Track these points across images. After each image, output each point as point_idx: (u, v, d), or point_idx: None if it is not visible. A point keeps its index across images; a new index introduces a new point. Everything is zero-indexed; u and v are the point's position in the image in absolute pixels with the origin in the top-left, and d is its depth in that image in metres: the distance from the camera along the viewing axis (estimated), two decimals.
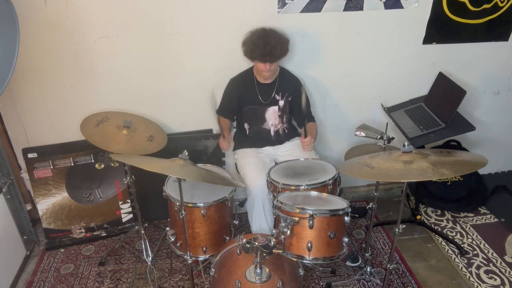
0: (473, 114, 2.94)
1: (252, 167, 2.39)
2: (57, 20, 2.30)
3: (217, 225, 2.13)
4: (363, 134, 2.17)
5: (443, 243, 2.64)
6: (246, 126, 2.55)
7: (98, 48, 2.40)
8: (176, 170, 1.75)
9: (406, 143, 1.79)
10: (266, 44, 2.19)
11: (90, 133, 2.21)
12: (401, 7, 2.53)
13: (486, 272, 2.42)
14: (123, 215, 2.75)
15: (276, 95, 2.45)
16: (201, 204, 2.04)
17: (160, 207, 2.41)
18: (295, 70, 2.56)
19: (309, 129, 2.46)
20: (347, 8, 2.49)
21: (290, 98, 2.47)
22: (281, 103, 2.46)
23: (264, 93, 2.44)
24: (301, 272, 1.92)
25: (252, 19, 2.43)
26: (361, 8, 2.50)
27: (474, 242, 2.65)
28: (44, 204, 2.60)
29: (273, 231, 1.81)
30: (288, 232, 1.75)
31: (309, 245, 1.74)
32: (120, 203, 2.72)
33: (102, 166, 2.65)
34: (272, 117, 2.49)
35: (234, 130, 2.68)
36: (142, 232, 2.42)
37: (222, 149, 2.55)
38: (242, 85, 2.43)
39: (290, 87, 2.45)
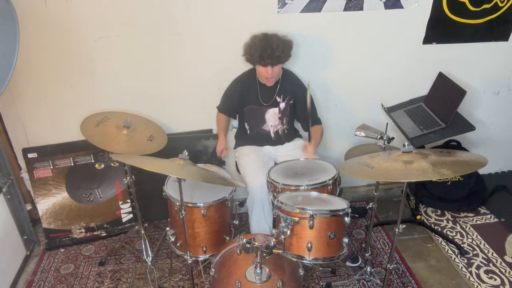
0: (473, 114, 2.94)
1: (253, 164, 2.39)
2: (57, 20, 2.30)
3: (217, 225, 2.13)
4: (363, 134, 2.16)
5: (443, 243, 2.64)
6: (246, 126, 2.55)
7: (98, 48, 2.40)
8: (176, 170, 1.75)
9: (406, 143, 1.79)
10: (267, 47, 2.16)
11: (90, 133, 2.21)
12: (401, 7, 2.54)
13: (486, 272, 2.42)
14: (123, 215, 2.75)
15: (277, 97, 2.44)
16: (201, 204, 2.04)
17: (160, 207, 2.41)
18: (294, 70, 2.56)
19: (313, 132, 2.45)
20: (347, 8, 2.49)
21: (291, 101, 2.47)
22: (282, 105, 2.46)
23: (265, 95, 2.44)
24: (301, 272, 1.92)
25: (252, 19, 2.43)
26: (361, 8, 2.50)
27: (474, 242, 2.65)
28: (44, 204, 2.60)
29: (273, 231, 1.81)
30: (288, 232, 1.75)
31: (309, 245, 1.74)
32: (120, 203, 2.72)
33: (102, 166, 2.65)
34: (272, 119, 2.49)
35: (235, 129, 2.68)
36: (142, 232, 2.42)
37: (218, 154, 2.55)
38: (244, 85, 2.44)
39: (292, 90, 2.45)
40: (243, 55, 2.31)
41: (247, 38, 2.34)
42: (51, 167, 2.57)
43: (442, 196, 2.93)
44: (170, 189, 2.15)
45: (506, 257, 2.52)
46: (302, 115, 2.51)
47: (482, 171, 3.10)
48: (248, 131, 2.56)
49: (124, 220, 2.75)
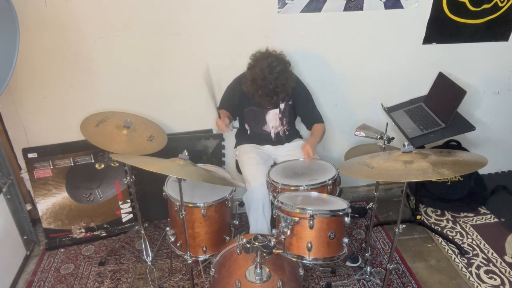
0: (473, 114, 2.94)
1: (253, 162, 2.39)
2: (57, 20, 2.30)
3: (217, 225, 2.13)
4: (363, 134, 2.16)
5: (443, 243, 2.64)
6: (246, 126, 2.55)
7: (98, 48, 2.40)
8: (176, 170, 1.75)
9: (406, 143, 1.79)
10: (264, 91, 2.19)
11: (90, 133, 2.21)
12: (401, 7, 2.54)
13: (486, 272, 2.42)
14: (123, 215, 2.75)
15: None
16: (201, 204, 2.04)
17: (160, 207, 2.41)
18: (294, 70, 2.55)
19: (314, 131, 2.46)
20: (347, 8, 2.49)
21: (290, 102, 2.47)
22: (282, 106, 2.46)
23: None
24: (301, 272, 1.92)
25: (252, 19, 2.43)
26: (361, 8, 2.50)
27: (474, 242, 2.65)
28: (44, 204, 2.60)
29: (273, 231, 1.81)
30: (288, 232, 1.75)
31: (309, 245, 1.74)
32: (120, 203, 2.72)
33: (102, 166, 2.65)
34: (273, 120, 2.49)
35: (235, 130, 2.67)
36: (142, 232, 2.42)
37: (219, 129, 2.41)
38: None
39: (291, 91, 2.44)
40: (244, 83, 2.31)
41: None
42: (51, 167, 2.57)
43: (442, 196, 2.93)
44: (170, 189, 2.15)
45: (506, 257, 2.52)
46: (303, 114, 2.52)
47: (482, 171, 3.10)
48: (249, 131, 2.56)
49: (124, 220, 2.75)
